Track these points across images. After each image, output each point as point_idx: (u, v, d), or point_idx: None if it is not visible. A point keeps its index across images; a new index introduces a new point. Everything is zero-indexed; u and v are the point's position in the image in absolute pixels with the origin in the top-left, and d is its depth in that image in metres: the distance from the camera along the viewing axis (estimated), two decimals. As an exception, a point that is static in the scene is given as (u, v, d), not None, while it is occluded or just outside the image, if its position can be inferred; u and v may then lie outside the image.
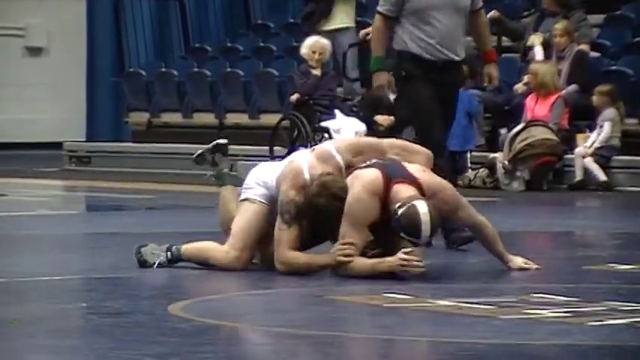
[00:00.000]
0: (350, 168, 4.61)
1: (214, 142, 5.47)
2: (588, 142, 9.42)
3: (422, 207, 4.44)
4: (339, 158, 4.63)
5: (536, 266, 4.93)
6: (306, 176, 4.58)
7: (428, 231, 4.48)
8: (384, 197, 4.51)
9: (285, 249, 4.61)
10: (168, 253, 4.98)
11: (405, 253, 4.49)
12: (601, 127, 9.37)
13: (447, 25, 5.56)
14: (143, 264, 4.95)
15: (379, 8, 5.67)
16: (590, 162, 9.32)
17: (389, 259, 4.56)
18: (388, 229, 4.60)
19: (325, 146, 4.82)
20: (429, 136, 5.49)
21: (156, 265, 4.99)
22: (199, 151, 5.45)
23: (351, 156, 4.64)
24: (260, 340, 3.86)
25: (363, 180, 4.47)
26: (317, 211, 4.53)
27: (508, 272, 4.92)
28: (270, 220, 4.74)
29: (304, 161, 4.60)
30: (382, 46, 5.81)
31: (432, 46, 5.55)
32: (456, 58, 5.63)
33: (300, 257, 4.66)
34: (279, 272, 4.74)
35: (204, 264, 4.95)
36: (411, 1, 5.57)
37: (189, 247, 4.98)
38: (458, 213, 4.80)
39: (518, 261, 4.90)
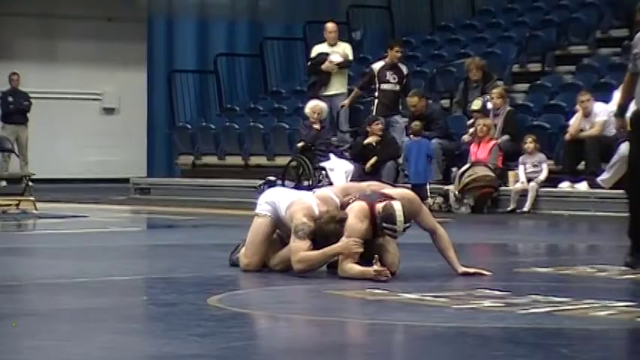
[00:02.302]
0: (342, 204, 4.66)
1: (266, 178, 5.51)
2: (521, 177, 8.95)
3: (396, 204, 4.47)
4: (336, 199, 4.70)
5: (475, 270, 4.71)
6: (316, 211, 4.61)
7: (401, 218, 4.44)
8: (371, 216, 4.52)
9: (302, 252, 4.57)
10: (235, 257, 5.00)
11: (378, 268, 4.49)
12: (535, 166, 8.96)
13: None
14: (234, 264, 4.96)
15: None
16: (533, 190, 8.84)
17: (370, 269, 4.53)
18: (373, 246, 4.59)
19: (325, 191, 4.91)
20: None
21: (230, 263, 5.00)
22: (261, 184, 5.45)
23: (342, 196, 4.70)
24: (274, 323, 3.78)
25: (354, 211, 4.53)
26: (327, 234, 4.59)
27: (454, 275, 4.71)
28: (274, 228, 4.74)
29: (312, 201, 4.66)
30: (623, 97, 5.12)
31: None
32: None
33: (314, 253, 4.60)
34: (298, 271, 4.60)
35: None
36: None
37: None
38: (421, 215, 4.71)
39: (465, 268, 4.73)
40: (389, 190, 4.83)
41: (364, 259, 4.54)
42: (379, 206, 4.47)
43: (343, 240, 4.51)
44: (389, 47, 9.89)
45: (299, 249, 4.54)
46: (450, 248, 4.73)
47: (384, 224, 4.46)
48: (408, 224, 4.50)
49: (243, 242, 4.90)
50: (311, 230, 4.51)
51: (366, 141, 9.40)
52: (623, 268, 4.96)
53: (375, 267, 4.44)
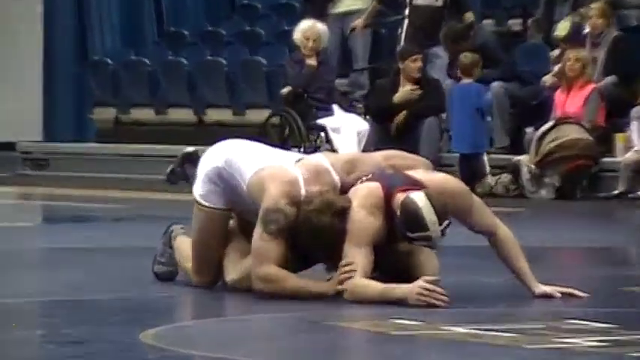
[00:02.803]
0: (344, 185, 4.72)
1: (181, 153, 5.55)
2: (636, 142, 9.69)
3: (417, 197, 4.53)
4: (334, 175, 4.71)
5: (560, 290, 4.92)
6: (302, 191, 4.60)
7: (433, 219, 4.53)
8: (387, 209, 4.61)
9: (270, 264, 4.58)
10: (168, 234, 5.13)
11: (428, 281, 4.56)
12: None
13: None
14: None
15: None
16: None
17: (405, 286, 4.59)
18: (393, 249, 4.71)
19: (319, 160, 4.88)
20: None
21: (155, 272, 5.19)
22: (169, 168, 5.54)
23: (345, 173, 4.74)
24: None
25: (359, 195, 4.60)
26: (318, 231, 4.58)
27: (532, 295, 4.97)
28: (227, 221, 4.88)
29: (298, 172, 4.64)
30: None
31: None
32: None
33: (290, 278, 4.64)
34: (259, 291, 4.70)
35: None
36: None
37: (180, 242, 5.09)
38: (472, 214, 4.82)
39: (546, 288, 4.89)
40: (422, 171, 4.88)
41: (381, 272, 4.71)
42: (399, 198, 4.57)
43: (404, 287, 4.59)
44: None
45: (267, 256, 4.59)
46: (521, 257, 4.89)
47: (409, 234, 4.58)
48: (446, 222, 4.60)
49: (168, 234, 5.07)
50: (289, 221, 4.53)
51: (401, 97, 9.97)
52: None
53: (423, 282, 4.53)
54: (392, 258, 4.80)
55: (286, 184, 4.57)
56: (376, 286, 4.71)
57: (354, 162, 4.90)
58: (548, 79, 10.11)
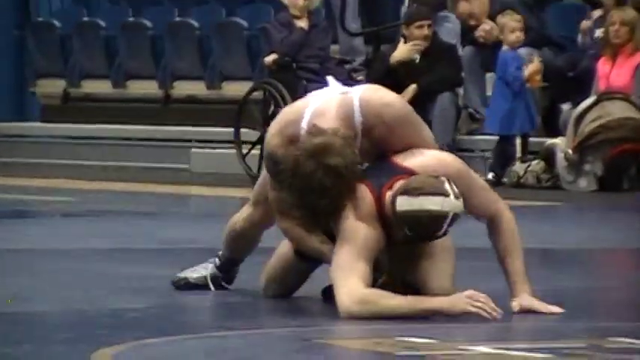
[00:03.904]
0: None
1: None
2: None
3: (415, 182, 4.78)
4: (357, 118, 4.77)
5: (558, 310, 5.09)
6: (302, 124, 4.68)
7: (436, 206, 4.79)
8: (380, 212, 4.85)
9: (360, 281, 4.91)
10: (216, 259, 5.29)
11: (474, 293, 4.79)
12: None
13: None
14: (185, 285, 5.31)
15: None
16: None
17: (445, 298, 4.82)
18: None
19: (353, 97, 4.91)
20: None
21: (209, 279, 5.33)
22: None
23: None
24: None
25: (350, 207, 4.83)
26: (304, 184, 4.74)
27: (571, 307, 5.10)
28: None
29: (312, 103, 4.75)
30: None
31: None
32: None
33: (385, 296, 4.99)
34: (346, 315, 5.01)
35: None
36: None
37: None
38: (470, 195, 5.04)
39: (527, 297, 5.10)
40: (410, 155, 5.01)
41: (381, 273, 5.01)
42: (389, 196, 4.76)
43: (442, 298, 4.81)
44: None
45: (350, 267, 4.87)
46: (517, 254, 5.09)
47: (409, 232, 4.82)
48: (449, 219, 4.85)
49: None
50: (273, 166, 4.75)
51: (399, 55, 10.32)
52: None
53: (470, 293, 4.76)
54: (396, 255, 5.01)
55: (284, 119, 4.70)
56: (400, 301, 4.91)
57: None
58: (589, 40, 10.31)
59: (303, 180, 4.77)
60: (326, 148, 4.73)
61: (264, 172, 5.17)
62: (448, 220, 4.90)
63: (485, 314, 4.81)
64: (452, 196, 4.91)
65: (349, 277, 5.01)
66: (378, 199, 4.87)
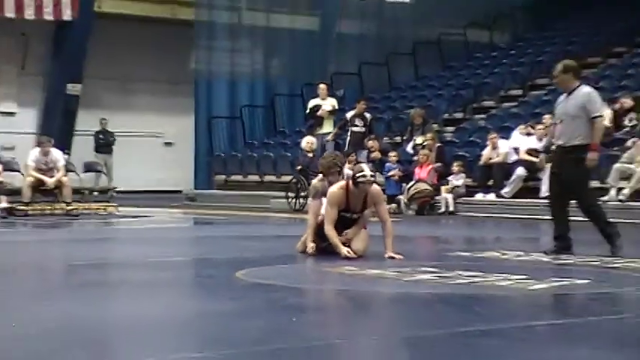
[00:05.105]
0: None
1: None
2: (449, 187, 19.71)
3: (363, 164, 9.19)
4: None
5: (400, 257, 8.97)
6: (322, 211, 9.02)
7: (367, 170, 9.35)
8: (347, 189, 9.06)
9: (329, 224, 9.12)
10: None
11: (349, 251, 8.89)
12: (459, 182, 20.04)
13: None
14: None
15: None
16: (451, 198, 19.84)
17: (343, 249, 9.14)
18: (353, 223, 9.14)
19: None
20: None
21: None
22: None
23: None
24: (273, 289, 7.34)
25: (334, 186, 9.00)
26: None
27: (407, 256, 8.96)
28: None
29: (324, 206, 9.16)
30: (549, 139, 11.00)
31: None
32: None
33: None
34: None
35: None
36: None
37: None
38: (381, 205, 9.25)
39: (391, 253, 9.07)
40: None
41: (345, 227, 9.49)
42: (350, 169, 8.95)
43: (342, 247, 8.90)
44: (357, 101, 21.68)
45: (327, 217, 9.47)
46: (390, 237, 9.24)
47: (356, 175, 9.02)
48: (374, 174, 9.81)
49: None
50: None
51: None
52: (519, 252, 10.46)
53: (347, 250, 9.01)
54: (352, 224, 9.16)
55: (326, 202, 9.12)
56: (334, 238, 9.08)
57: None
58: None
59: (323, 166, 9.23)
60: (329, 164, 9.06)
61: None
62: (369, 175, 8.78)
63: (348, 256, 9.10)
64: (368, 170, 8.94)
65: (327, 219, 9.53)
66: (347, 185, 8.94)
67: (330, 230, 9.89)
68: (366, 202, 10.12)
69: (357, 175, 9.75)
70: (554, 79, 11.77)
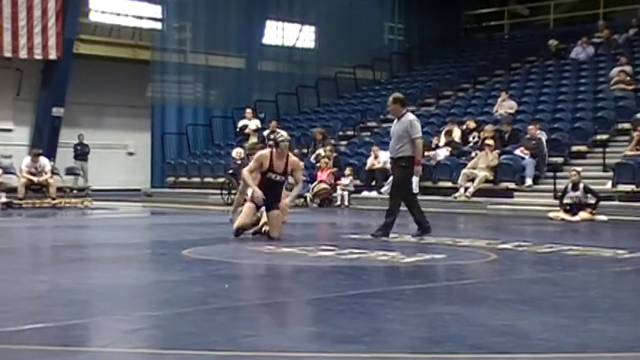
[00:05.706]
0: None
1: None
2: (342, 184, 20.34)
3: (281, 130, 9.98)
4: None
5: (282, 208, 9.26)
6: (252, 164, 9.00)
7: (285, 133, 9.58)
8: (270, 155, 8.97)
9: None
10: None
11: (283, 206, 8.92)
12: (349, 184, 20.55)
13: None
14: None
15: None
16: (345, 195, 20.43)
17: (256, 190, 9.11)
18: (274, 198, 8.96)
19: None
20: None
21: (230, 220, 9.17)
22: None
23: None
24: (210, 263, 7.22)
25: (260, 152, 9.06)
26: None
27: (311, 238, 8.87)
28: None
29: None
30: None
31: None
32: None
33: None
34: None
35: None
36: None
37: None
38: (298, 172, 9.31)
39: (284, 202, 9.27)
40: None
41: (270, 189, 9.22)
42: (273, 144, 8.73)
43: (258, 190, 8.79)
44: (269, 122, 22.46)
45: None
46: (296, 192, 9.56)
47: (277, 138, 8.98)
48: (289, 138, 8.79)
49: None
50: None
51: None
52: (394, 234, 10.28)
53: (256, 196, 8.97)
54: (273, 198, 8.95)
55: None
56: (250, 181, 8.90)
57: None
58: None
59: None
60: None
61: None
62: (286, 135, 8.73)
63: (254, 196, 8.98)
64: (286, 134, 8.88)
65: (248, 168, 9.36)
66: (271, 151, 9.00)
67: (247, 177, 9.77)
68: (287, 166, 10.01)
69: (278, 137, 9.78)
70: (388, 107, 11.53)
